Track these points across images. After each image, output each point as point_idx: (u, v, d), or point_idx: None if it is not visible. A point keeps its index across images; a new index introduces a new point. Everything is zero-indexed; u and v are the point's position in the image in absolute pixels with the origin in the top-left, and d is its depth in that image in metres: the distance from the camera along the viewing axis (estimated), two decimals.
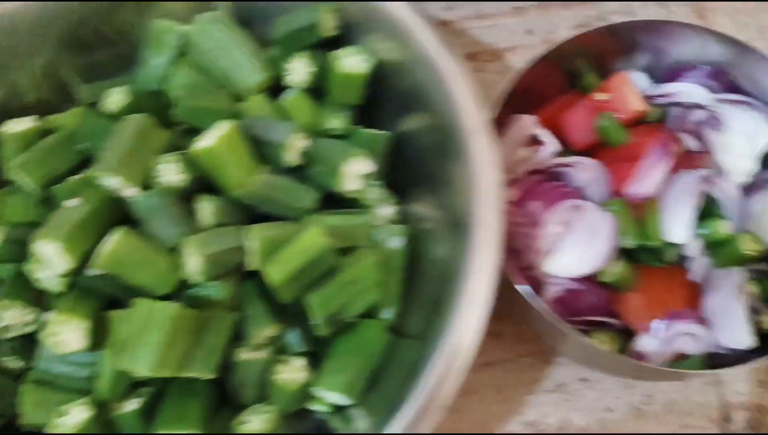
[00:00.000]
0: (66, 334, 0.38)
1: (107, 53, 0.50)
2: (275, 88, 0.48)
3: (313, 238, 0.40)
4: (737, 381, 0.49)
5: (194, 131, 0.43)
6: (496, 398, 0.48)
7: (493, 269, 0.37)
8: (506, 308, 0.50)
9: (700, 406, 0.48)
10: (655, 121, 0.50)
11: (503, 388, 0.48)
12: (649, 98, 0.50)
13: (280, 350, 0.42)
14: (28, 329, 0.40)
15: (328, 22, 0.47)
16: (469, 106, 0.41)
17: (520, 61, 0.59)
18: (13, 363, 0.41)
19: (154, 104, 0.46)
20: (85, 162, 0.44)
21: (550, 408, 0.48)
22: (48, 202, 0.43)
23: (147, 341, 0.36)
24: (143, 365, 0.36)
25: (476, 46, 0.60)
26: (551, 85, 0.52)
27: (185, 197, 0.41)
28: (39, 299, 0.40)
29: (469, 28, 0.60)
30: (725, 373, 0.44)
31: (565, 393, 0.48)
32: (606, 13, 0.61)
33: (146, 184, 0.41)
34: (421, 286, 0.44)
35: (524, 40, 0.60)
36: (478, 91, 0.40)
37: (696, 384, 0.49)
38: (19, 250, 0.40)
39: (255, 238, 0.40)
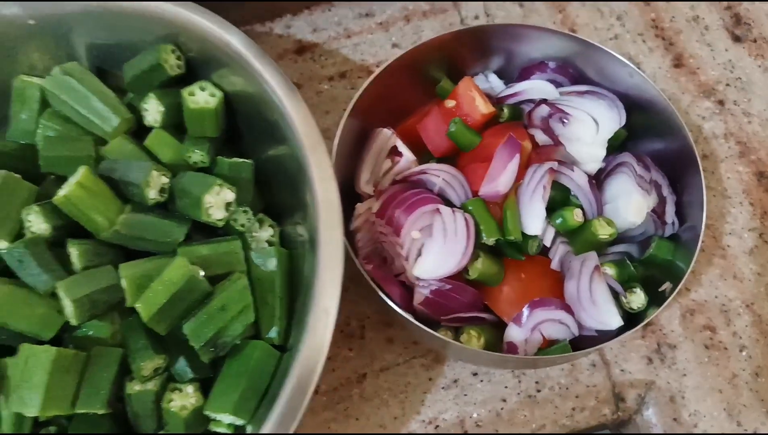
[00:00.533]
0: None
1: None
2: (144, 129, 0.58)
3: (179, 269, 0.49)
4: (623, 361, 0.60)
5: (64, 180, 0.53)
6: (395, 401, 0.58)
7: (339, 282, 0.46)
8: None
9: (589, 389, 0.59)
10: (509, 121, 0.61)
11: (401, 390, 0.58)
12: (503, 98, 0.62)
13: (171, 379, 0.51)
14: None
15: (171, 61, 0.57)
16: (305, 132, 0.50)
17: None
18: None
19: (26, 158, 0.55)
20: None
21: (447, 404, 0.58)
22: None
23: (31, 384, 0.45)
24: (31, 407, 0.45)
25: (346, 65, 0.71)
26: (412, 95, 0.63)
27: (60, 244, 0.50)
28: None
29: (338, 48, 0.72)
30: (581, 353, 0.54)
31: (460, 388, 0.58)
32: (468, 18, 0.73)
33: (19, 235, 0.50)
34: (298, 303, 0.53)
35: (392, 53, 0.71)
36: (311, 118, 0.50)
37: (583, 367, 0.59)
38: None
39: (124, 276, 0.49)
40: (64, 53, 0.60)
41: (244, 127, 0.58)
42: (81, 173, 0.50)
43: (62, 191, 0.50)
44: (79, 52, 0.60)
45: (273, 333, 0.53)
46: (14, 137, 0.58)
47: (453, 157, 0.60)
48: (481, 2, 0.73)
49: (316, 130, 0.50)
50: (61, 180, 0.53)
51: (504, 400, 0.58)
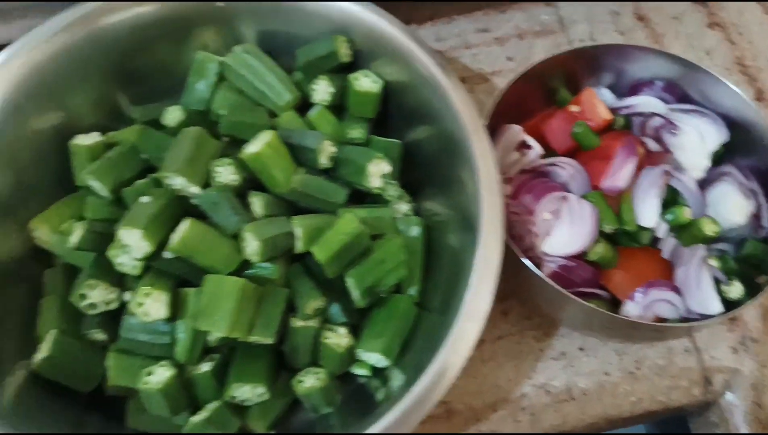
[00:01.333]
0: (150, 305, 0.52)
1: (151, 81, 0.66)
2: (303, 106, 0.65)
3: (349, 223, 0.55)
4: (712, 349, 0.66)
5: (237, 142, 0.60)
6: (510, 365, 0.64)
7: (499, 253, 0.51)
8: (511, 290, 0.66)
9: (682, 370, 0.65)
10: (621, 128, 0.68)
11: (514, 356, 0.64)
12: (614, 110, 0.69)
13: (326, 321, 0.57)
14: (111, 307, 0.54)
15: (343, 50, 0.64)
16: (467, 115, 0.57)
17: (503, 83, 0.77)
18: (99, 335, 0.55)
19: (202, 121, 0.62)
20: (145, 169, 0.59)
21: (555, 372, 0.64)
22: (118, 203, 0.58)
23: (221, 308, 0.51)
24: (220, 327, 0.50)
25: (466, 72, 0.79)
26: (532, 100, 0.70)
27: (238, 194, 0.57)
28: (119, 281, 0.55)
29: (459, 57, 0.79)
30: (696, 326, 0.60)
31: (568, 360, 0.64)
32: (574, 41, 0.81)
33: (205, 184, 0.56)
34: (438, 268, 0.60)
35: (506, 65, 0.79)
36: (472, 103, 0.58)
37: (678, 351, 0.65)
38: (99, 241, 0.55)
39: (300, 226, 0.55)
40: (233, 36, 0.67)
41: (394, 111, 0.65)
42: (270, 136, 0.57)
43: (253, 149, 0.56)
44: (248, 36, 0.67)
45: (413, 291, 0.59)
46: (189, 104, 0.65)
47: (570, 154, 0.68)
48: (587, 28, 0.82)
49: (477, 115, 0.57)
50: (234, 142, 0.61)
51: (607, 374, 0.64)
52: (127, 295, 0.56)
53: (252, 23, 0.66)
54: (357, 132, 0.63)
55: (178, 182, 0.55)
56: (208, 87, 0.64)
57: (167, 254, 0.53)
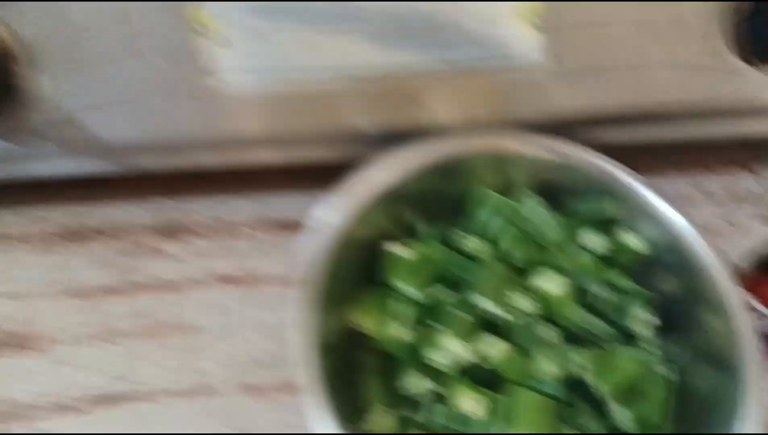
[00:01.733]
0: (467, 403, 0.63)
1: (427, 201, 0.78)
2: None
3: (631, 362, 0.66)
4: None
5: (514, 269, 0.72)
6: None
7: (762, 404, 0.61)
8: None
9: None
10: None
11: None
12: None
13: None
14: (425, 393, 0.66)
15: (609, 208, 0.76)
16: (722, 277, 0.68)
17: (714, 240, 0.89)
18: (407, 413, 0.66)
19: (491, 250, 0.74)
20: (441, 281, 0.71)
21: None
22: (423, 306, 0.69)
23: (531, 419, 0.61)
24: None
25: None
26: None
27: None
28: (431, 372, 0.66)
29: None
30: None
31: None
32: None
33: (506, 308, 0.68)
34: (681, 406, 0.69)
35: (716, 224, 0.90)
36: (723, 264, 0.68)
37: None
38: (413, 336, 0.67)
39: (587, 358, 0.66)
40: (507, 177, 0.80)
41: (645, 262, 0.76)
42: (566, 281, 0.69)
43: (554, 290, 0.68)
44: (520, 179, 0.80)
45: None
46: (474, 231, 0.76)
47: None
48: None
49: (730, 276, 0.67)
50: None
51: None
52: (433, 385, 0.66)
53: (527, 171, 0.79)
54: (622, 281, 0.74)
55: (485, 303, 0.67)
56: (493, 222, 0.75)
57: (483, 364, 0.64)
